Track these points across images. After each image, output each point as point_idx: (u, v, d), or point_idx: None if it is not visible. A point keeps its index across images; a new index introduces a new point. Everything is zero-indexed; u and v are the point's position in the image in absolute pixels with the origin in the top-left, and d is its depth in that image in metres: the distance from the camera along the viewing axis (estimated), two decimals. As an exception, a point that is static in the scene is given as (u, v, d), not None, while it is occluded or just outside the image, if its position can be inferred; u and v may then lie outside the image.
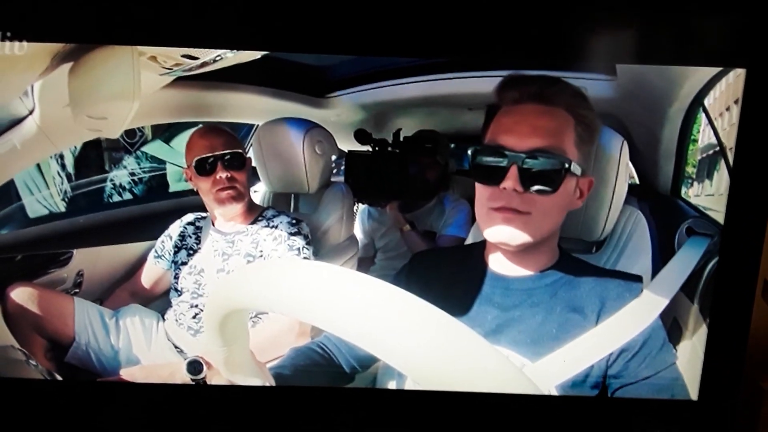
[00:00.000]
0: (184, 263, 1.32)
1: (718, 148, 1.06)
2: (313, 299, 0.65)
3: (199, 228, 1.36)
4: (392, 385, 1.04)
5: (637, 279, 0.95)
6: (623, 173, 1.01)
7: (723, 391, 1.00)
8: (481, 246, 1.00)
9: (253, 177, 1.41)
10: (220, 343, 0.85)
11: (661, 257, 1.07)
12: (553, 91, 0.88)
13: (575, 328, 0.91)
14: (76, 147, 1.36)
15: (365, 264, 1.56)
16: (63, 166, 1.38)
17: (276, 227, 1.31)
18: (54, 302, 1.23)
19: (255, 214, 1.34)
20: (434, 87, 1.35)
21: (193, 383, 0.94)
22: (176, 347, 1.28)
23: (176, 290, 1.32)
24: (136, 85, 1.09)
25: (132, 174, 1.50)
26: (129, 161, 1.48)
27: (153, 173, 1.53)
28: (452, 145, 1.52)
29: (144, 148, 1.48)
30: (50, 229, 1.36)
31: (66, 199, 1.39)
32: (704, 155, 1.12)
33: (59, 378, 1.15)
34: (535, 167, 0.86)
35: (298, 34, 0.92)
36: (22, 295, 1.19)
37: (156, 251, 1.37)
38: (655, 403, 0.93)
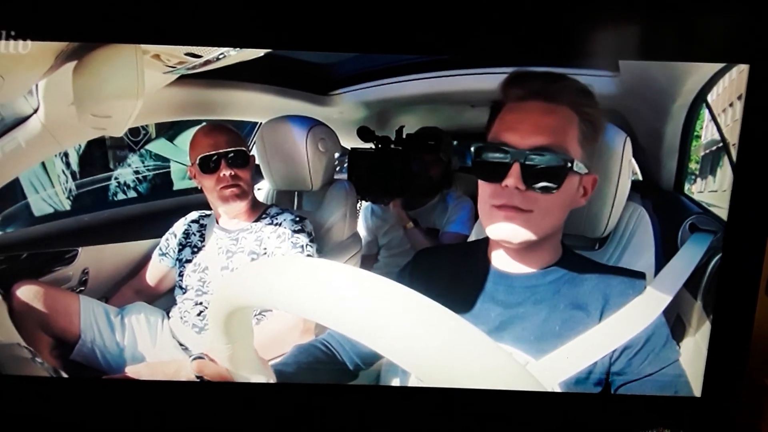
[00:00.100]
0: (189, 261, 1.33)
1: (721, 144, 1.06)
2: (317, 297, 0.65)
3: (203, 226, 1.36)
4: (396, 382, 1.05)
5: (641, 276, 0.95)
6: (626, 169, 1.01)
7: (726, 388, 1.00)
8: (484, 243, 1.00)
9: (257, 175, 1.41)
10: (225, 341, 0.85)
11: (664, 254, 1.07)
12: (558, 87, 0.87)
13: (578, 325, 0.91)
14: (80, 145, 1.37)
15: (368, 261, 1.56)
16: (68, 165, 1.38)
17: (280, 225, 1.31)
18: (59, 300, 1.24)
19: (259, 211, 1.34)
20: (437, 84, 1.35)
21: (198, 380, 0.95)
22: (181, 344, 1.28)
23: (181, 288, 1.32)
24: (140, 83, 1.09)
25: (136, 172, 1.50)
26: (133, 159, 1.48)
27: (157, 171, 1.54)
28: (455, 142, 1.52)
29: (148, 146, 1.48)
30: (55, 228, 1.36)
31: (71, 198, 1.40)
32: (707, 151, 1.12)
33: (65, 375, 1.16)
34: (537, 165, 0.86)
35: (301, 31, 0.92)
36: (27, 293, 1.19)
37: (160, 249, 1.38)
38: (658, 400, 0.93)
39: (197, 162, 1.27)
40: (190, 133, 1.33)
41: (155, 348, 1.27)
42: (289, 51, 1.26)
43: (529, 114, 0.88)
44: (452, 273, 1.00)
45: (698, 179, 1.15)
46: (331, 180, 1.47)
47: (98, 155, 1.42)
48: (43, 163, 1.35)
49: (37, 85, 1.17)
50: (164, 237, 1.38)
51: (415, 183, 1.46)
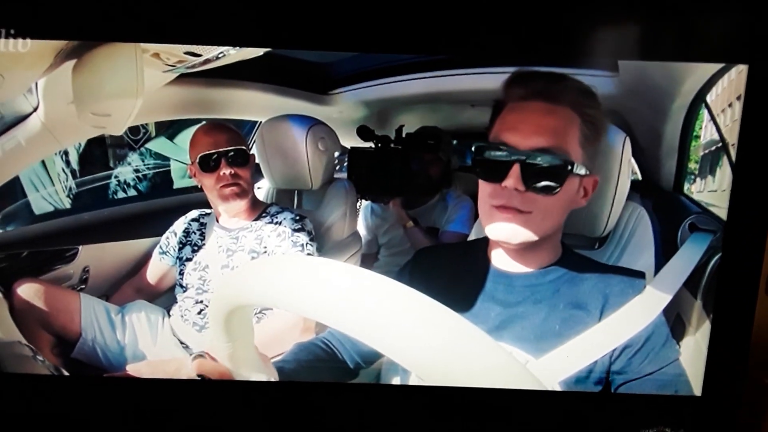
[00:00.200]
0: (189, 259, 1.33)
1: (720, 144, 1.06)
2: (317, 295, 0.66)
3: (203, 224, 1.36)
4: (396, 380, 1.05)
5: (640, 275, 0.95)
6: (626, 169, 1.01)
7: (726, 388, 1.00)
8: (484, 242, 1.00)
9: (257, 174, 1.41)
10: (225, 339, 0.85)
11: (663, 253, 1.07)
12: (560, 88, 0.87)
13: (578, 325, 0.91)
14: (80, 144, 1.37)
15: (368, 260, 1.57)
16: (68, 163, 1.38)
17: (280, 223, 1.31)
18: (60, 298, 1.24)
19: (259, 210, 1.35)
20: (437, 84, 1.35)
21: (199, 378, 0.95)
22: (182, 343, 1.28)
23: (181, 286, 1.32)
24: (140, 82, 1.09)
25: (136, 171, 1.50)
26: (133, 158, 1.49)
27: (157, 170, 1.54)
28: (454, 142, 1.53)
29: (148, 145, 1.48)
30: (56, 226, 1.37)
31: (71, 196, 1.40)
32: (707, 151, 1.12)
33: (66, 373, 1.16)
34: (537, 167, 0.85)
35: (300, 30, 0.92)
36: (28, 291, 1.20)
37: (161, 247, 1.38)
38: (658, 399, 0.93)
39: (197, 161, 1.27)
40: (190, 131, 1.33)
41: (156, 346, 1.27)
42: (288, 50, 1.26)
43: (530, 114, 0.87)
44: (452, 272, 1.00)
45: (698, 179, 1.15)
46: (330, 179, 1.47)
47: (98, 154, 1.42)
48: (43, 162, 1.35)
49: (36, 84, 1.17)
50: (164, 235, 1.38)
51: (415, 182, 1.46)
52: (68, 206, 1.40)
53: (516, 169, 0.85)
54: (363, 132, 1.42)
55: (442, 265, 1.03)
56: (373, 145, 1.42)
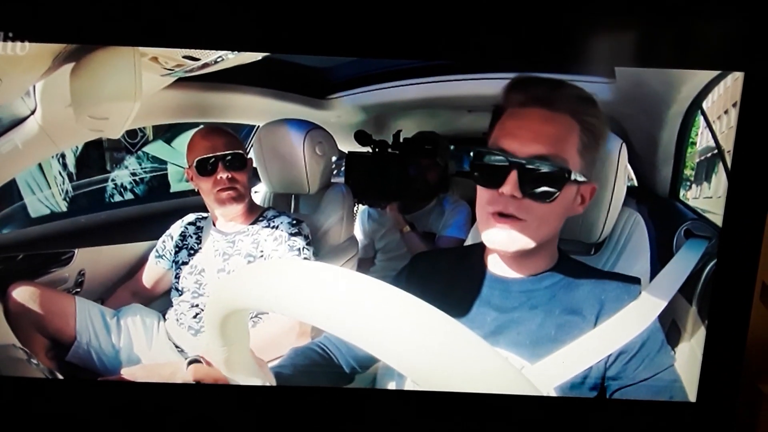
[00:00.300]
0: (185, 263, 1.33)
1: (716, 151, 1.07)
2: (313, 300, 0.66)
3: (200, 228, 1.36)
4: (392, 385, 1.05)
5: (636, 281, 0.95)
6: (622, 175, 1.01)
7: (721, 394, 1.00)
8: (481, 247, 1.00)
9: (254, 178, 1.41)
10: (221, 343, 0.85)
11: (659, 259, 1.07)
12: (560, 95, 0.86)
13: (574, 330, 0.91)
14: (77, 147, 1.37)
15: (365, 265, 1.57)
16: (65, 166, 1.38)
17: (276, 228, 1.31)
18: (55, 301, 1.24)
19: (256, 214, 1.35)
20: (434, 89, 1.36)
21: (194, 383, 0.95)
22: (177, 347, 1.28)
23: (177, 290, 1.32)
24: (138, 85, 1.09)
25: (133, 174, 1.50)
26: (130, 161, 1.49)
27: (154, 173, 1.54)
28: (452, 147, 1.53)
29: (145, 149, 1.48)
30: (52, 229, 1.36)
31: (67, 199, 1.40)
32: (702, 158, 1.12)
33: (60, 377, 1.16)
34: (534, 174, 0.85)
35: (298, 35, 0.92)
36: (23, 294, 1.19)
37: (157, 251, 1.38)
38: (653, 405, 0.93)
39: (194, 164, 1.27)
40: (188, 135, 1.33)
41: (151, 350, 1.27)
42: (287, 54, 1.26)
43: (529, 121, 0.87)
44: (448, 277, 1.00)
45: (693, 185, 1.16)
46: (328, 183, 1.47)
47: (95, 157, 1.42)
48: (39, 165, 1.35)
49: (34, 87, 1.17)
50: (161, 239, 1.37)
51: (412, 187, 1.46)
52: (64, 209, 1.40)
53: (513, 175, 0.85)
54: (360, 136, 1.42)
55: (438, 269, 1.03)
56: (370, 150, 1.42)
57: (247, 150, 1.40)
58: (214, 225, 1.34)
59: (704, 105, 1.08)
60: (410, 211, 1.53)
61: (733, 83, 0.95)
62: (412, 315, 0.62)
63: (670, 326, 1.06)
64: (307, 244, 1.31)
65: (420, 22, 0.91)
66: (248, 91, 1.41)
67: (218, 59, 1.09)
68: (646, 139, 1.21)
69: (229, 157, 1.27)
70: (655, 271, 1.06)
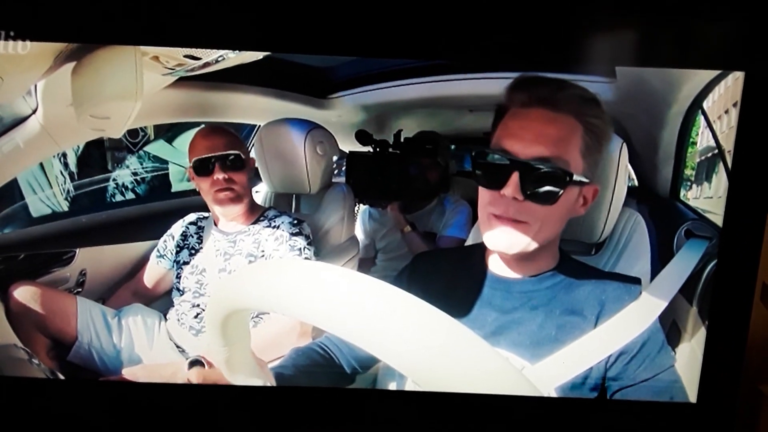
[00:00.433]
0: (186, 263, 1.33)
1: (716, 151, 1.07)
2: (314, 300, 0.65)
3: (201, 228, 1.36)
4: (393, 386, 1.05)
5: (636, 281, 0.94)
6: (623, 175, 1.01)
7: (722, 394, 1.00)
8: (482, 248, 0.99)
9: (255, 177, 1.41)
10: (222, 343, 0.85)
11: (659, 259, 1.07)
12: (563, 95, 0.85)
13: (574, 331, 0.91)
14: (79, 146, 1.37)
15: (366, 265, 1.57)
16: (66, 166, 1.39)
17: (277, 227, 1.31)
18: (57, 301, 1.24)
19: (257, 214, 1.35)
20: (435, 88, 1.36)
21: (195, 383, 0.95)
22: (178, 347, 1.28)
23: (178, 290, 1.32)
24: (139, 85, 1.09)
25: (134, 174, 1.51)
26: (132, 161, 1.49)
27: (155, 173, 1.54)
28: (452, 147, 1.53)
29: (147, 148, 1.49)
30: (53, 229, 1.37)
31: (69, 199, 1.40)
32: (703, 158, 1.12)
33: (61, 377, 1.16)
34: (536, 176, 0.84)
35: (300, 35, 0.92)
36: (25, 294, 1.19)
37: (158, 251, 1.38)
38: (653, 406, 0.93)
39: (193, 164, 1.27)
40: (189, 134, 1.33)
41: (152, 350, 1.27)
42: (288, 54, 1.27)
43: (532, 122, 0.86)
44: (449, 277, 1.00)
45: (694, 185, 1.16)
46: (329, 183, 1.47)
47: (96, 156, 1.42)
48: (41, 164, 1.35)
49: (36, 86, 1.18)
50: (162, 239, 1.38)
51: (413, 187, 1.47)
52: (66, 209, 1.40)
53: (515, 177, 0.84)
54: (361, 136, 1.42)
55: (439, 269, 1.03)
56: (371, 150, 1.43)
57: (249, 149, 1.40)
58: (216, 225, 1.34)
59: (705, 105, 1.08)
60: (411, 210, 1.53)
61: (733, 83, 0.95)
62: (413, 315, 0.62)
63: (670, 327, 1.06)
64: (308, 244, 1.31)
65: (421, 22, 0.91)
66: (249, 90, 1.41)
67: (219, 58, 1.09)
68: (646, 138, 1.21)
69: (226, 158, 1.27)
70: (655, 272, 1.06)
